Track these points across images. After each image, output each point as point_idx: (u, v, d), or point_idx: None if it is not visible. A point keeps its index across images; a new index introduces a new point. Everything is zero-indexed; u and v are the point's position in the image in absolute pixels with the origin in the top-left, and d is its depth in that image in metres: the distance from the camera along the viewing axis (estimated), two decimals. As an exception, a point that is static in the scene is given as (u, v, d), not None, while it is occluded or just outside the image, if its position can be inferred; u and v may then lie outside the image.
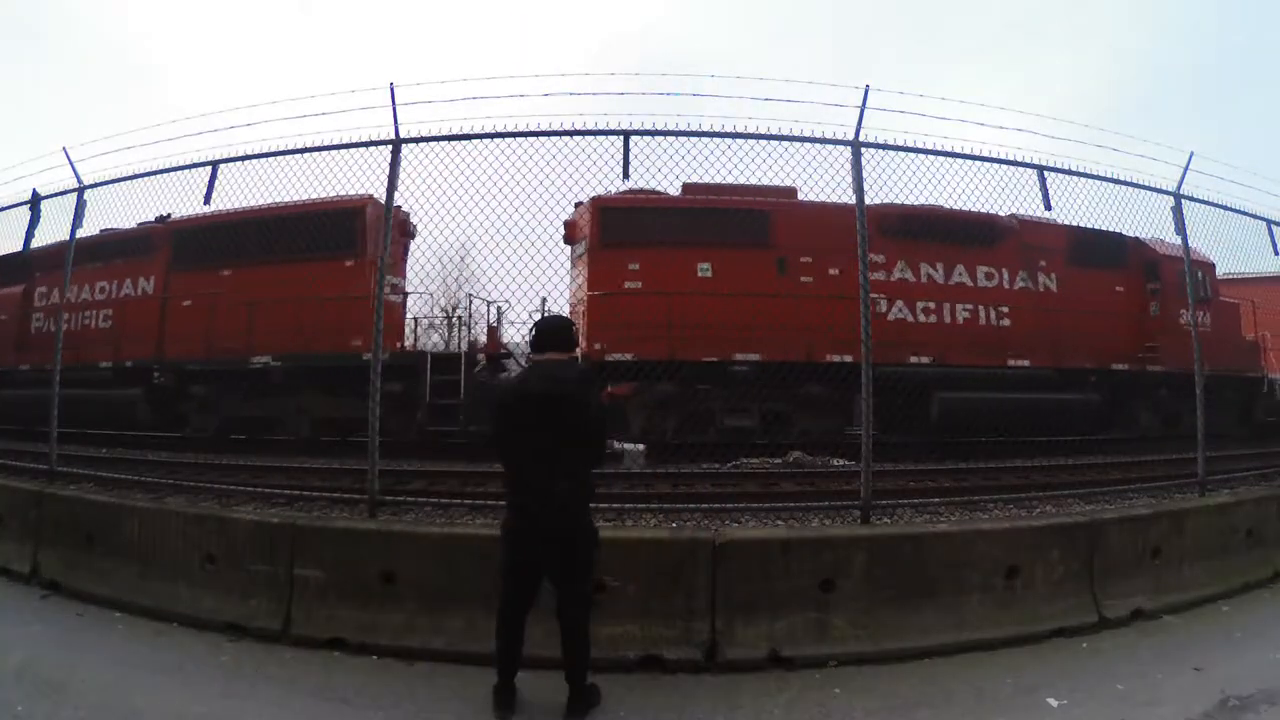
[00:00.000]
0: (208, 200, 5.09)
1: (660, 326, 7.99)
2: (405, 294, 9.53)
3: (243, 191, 5.20)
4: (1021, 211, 6.26)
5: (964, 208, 5.66)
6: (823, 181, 4.76)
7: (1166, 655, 3.54)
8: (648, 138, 4.58)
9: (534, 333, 3.14)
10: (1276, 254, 6.31)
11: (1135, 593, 4.14)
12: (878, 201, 4.92)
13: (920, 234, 8.94)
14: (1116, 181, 5.36)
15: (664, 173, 4.73)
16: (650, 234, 8.59)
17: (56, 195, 6.01)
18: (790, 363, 7.99)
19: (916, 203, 5.59)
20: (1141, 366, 9.78)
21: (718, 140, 4.67)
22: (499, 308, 8.96)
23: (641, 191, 7.44)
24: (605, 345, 8.23)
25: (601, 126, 4.55)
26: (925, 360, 8.73)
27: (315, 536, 3.95)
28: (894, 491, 5.55)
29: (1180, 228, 5.60)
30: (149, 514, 4.41)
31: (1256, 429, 10.48)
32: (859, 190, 4.52)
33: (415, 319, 10.21)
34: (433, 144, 4.66)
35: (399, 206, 5.01)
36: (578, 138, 4.63)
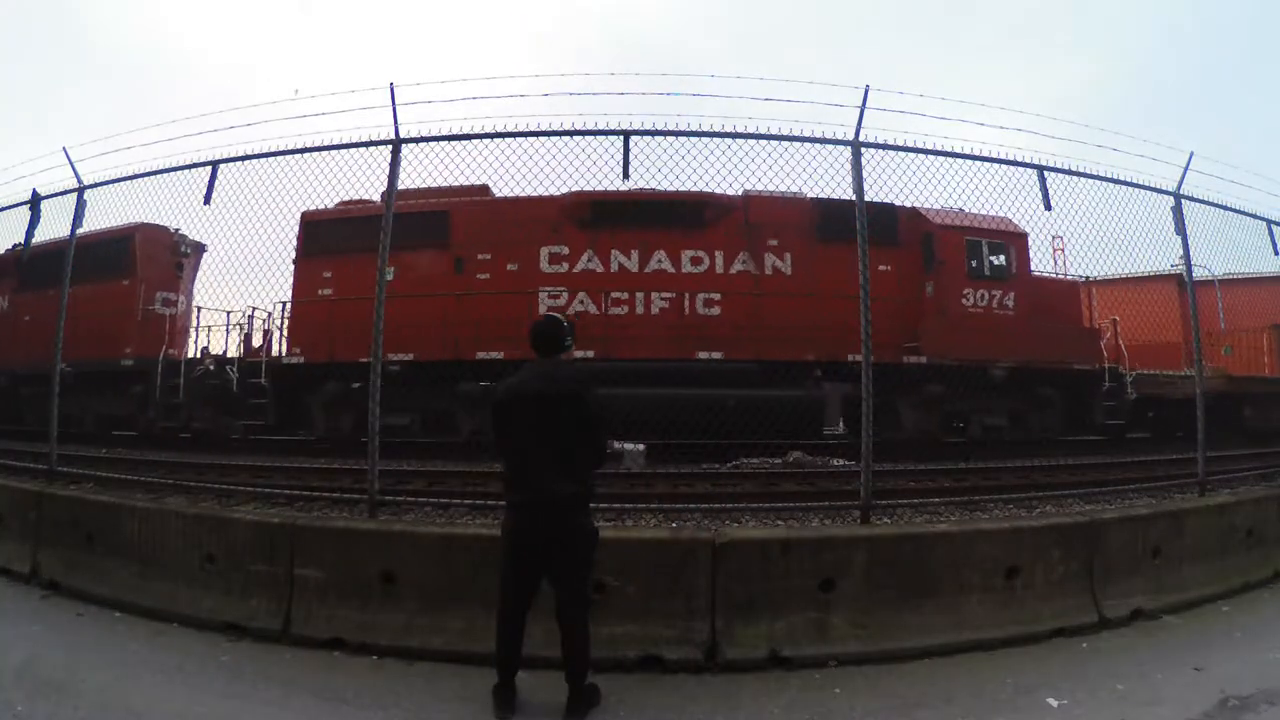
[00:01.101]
0: (208, 200, 5.09)
1: (339, 329, 8.61)
2: (178, 307, 10.61)
3: (243, 191, 5.21)
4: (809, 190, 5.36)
5: (961, 203, 5.60)
6: (823, 181, 4.77)
7: (1166, 655, 3.54)
8: (648, 138, 4.58)
9: (530, 334, 3.14)
10: (1277, 254, 6.31)
11: (1135, 593, 4.14)
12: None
13: (616, 220, 8.57)
14: (1116, 181, 5.36)
15: (664, 173, 4.73)
16: (345, 243, 8.88)
17: (56, 195, 6.02)
18: (440, 362, 8.24)
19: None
20: (898, 359, 8.58)
21: (718, 140, 4.67)
22: (253, 312, 9.70)
23: (354, 202, 7.63)
24: (300, 349, 9.11)
25: (601, 126, 4.55)
26: (590, 355, 8.01)
27: (315, 536, 3.95)
28: (894, 491, 5.55)
29: (1180, 228, 5.60)
30: (149, 514, 4.42)
31: (1100, 431, 9.55)
32: (859, 190, 4.52)
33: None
34: (432, 144, 4.66)
35: (172, 229, 5.26)
36: (578, 138, 4.63)
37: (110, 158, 5.60)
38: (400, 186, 4.61)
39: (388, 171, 4.59)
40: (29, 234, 6.18)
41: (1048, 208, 5.07)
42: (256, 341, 10.06)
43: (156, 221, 6.84)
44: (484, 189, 6.59)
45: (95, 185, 5.77)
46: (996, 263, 9.19)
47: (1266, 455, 7.69)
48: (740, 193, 7.42)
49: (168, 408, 9.54)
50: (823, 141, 4.62)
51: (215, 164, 5.06)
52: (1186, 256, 5.75)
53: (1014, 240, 9.12)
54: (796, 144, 4.65)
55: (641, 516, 4.71)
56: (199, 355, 9.82)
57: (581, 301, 8.64)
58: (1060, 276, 9.70)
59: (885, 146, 4.67)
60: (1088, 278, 9.66)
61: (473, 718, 2.90)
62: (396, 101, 4.48)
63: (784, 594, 3.59)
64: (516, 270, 8.64)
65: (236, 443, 9.29)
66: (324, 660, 3.50)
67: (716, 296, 8.56)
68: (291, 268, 8.90)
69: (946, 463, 7.45)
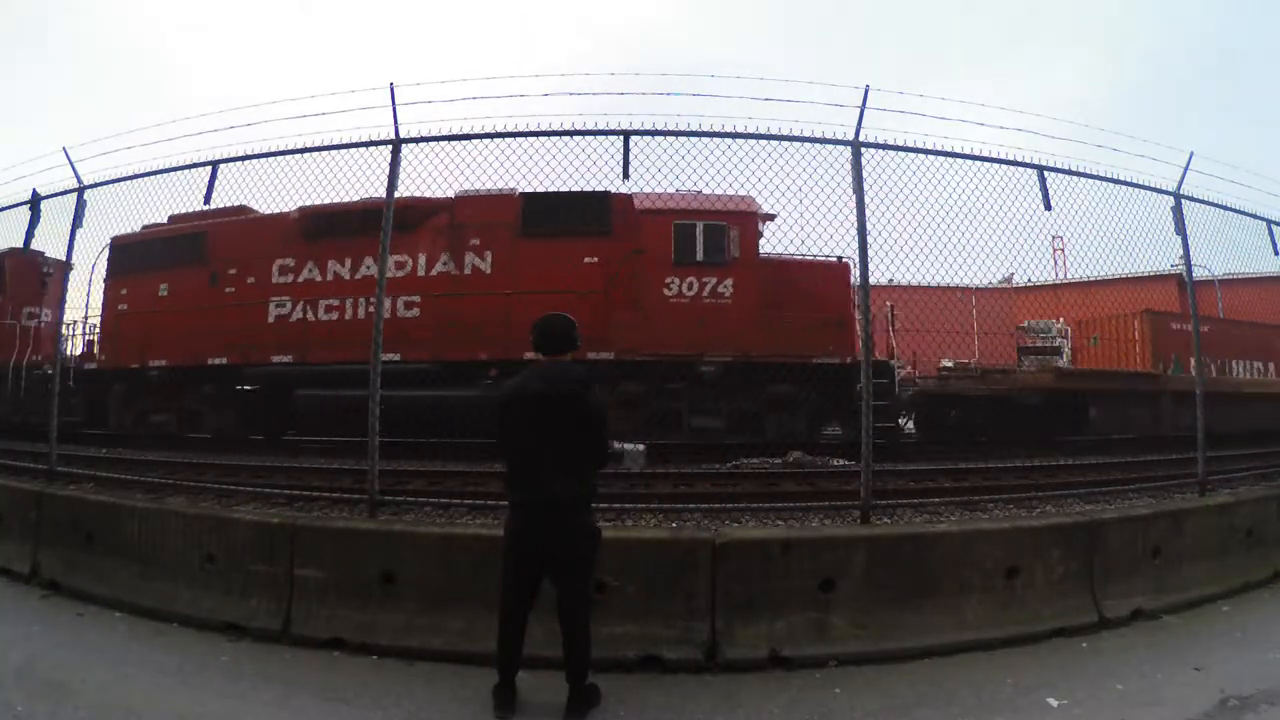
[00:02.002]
0: (208, 200, 5.09)
1: (125, 339, 9.90)
2: (40, 319, 11.64)
3: (243, 191, 5.21)
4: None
5: (973, 207, 5.59)
6: (823, 181, 4.77)
7: (1166, 655, 3.54)
8: (648, 138, 4.58)
9: (534, 334, 3.15)
10: (1277, 254, 6.31)
11: (1135, 593, 4.14)
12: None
13: (333, 232, 8.80)
14: (1116, 181, 5.36)
15: (664, 173, 4.73)
16: (136, 264, 9.93)
17: (56, 195, 6.02)
18: (183, 368, 9.37)
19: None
20: (583, 354, 8.43)
21: (718, 140, 4.67)
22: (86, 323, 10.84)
23: (153, 226, 8.33)
24: (104, 356, 10.25)
25: (601, 126, 4.55)
26: (287, 359, 8.77)
27: (315, 536, 3.95)
28: (894, 491, 5.55)
29: (1180, 228, 5.60)
30: (149, 514, 4.42)
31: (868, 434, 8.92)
32: (859, 190, 4.52)
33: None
34: (432, 144, 4.66)
35: (35, 251, 5.40)
36: (578, 138, 4.63)
37: (110, 158, 5.61)
38: (376, 191, 4.66)
39: (388, 171, 4.59)
40: (29, 234, 6.18)
41: (1048, 208, 5.07)
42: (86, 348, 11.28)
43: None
44: (242, 209, 6.87)
45: (95, 185, 5.77)
46: (711, 248, 8.27)
47: (1266, 455, 7.70)
48: (453, 194, 7.45)
49: (14, 404, 10.68)
50: (823, 141, 4.62)
51: (215, 164, 5.06)
52: (1186, 256, 5.75)
53: (739, 221, 8.11)
54: (796, 144, 4.66)
55: (641, 516, 4.70)
56: (38, 360, 10.92)
57: (302, 309, 9.02)
58: (818, 259, 8.06)
59: (885, 146, 4.67)
60: (840, 257, 7.74)
61: (473, 718, 2.90)
62: (396, 101, 4.48)
63: (784, 594, 3.59)
64: (254, 283, 9.20)
65: (237, 443, 9.31)
66: (324, 660, 3.50)
67: (416, 299, 8.64)
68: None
69: (946, 463, 7.45)
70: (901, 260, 5.34)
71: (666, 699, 3.11)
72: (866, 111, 4.47)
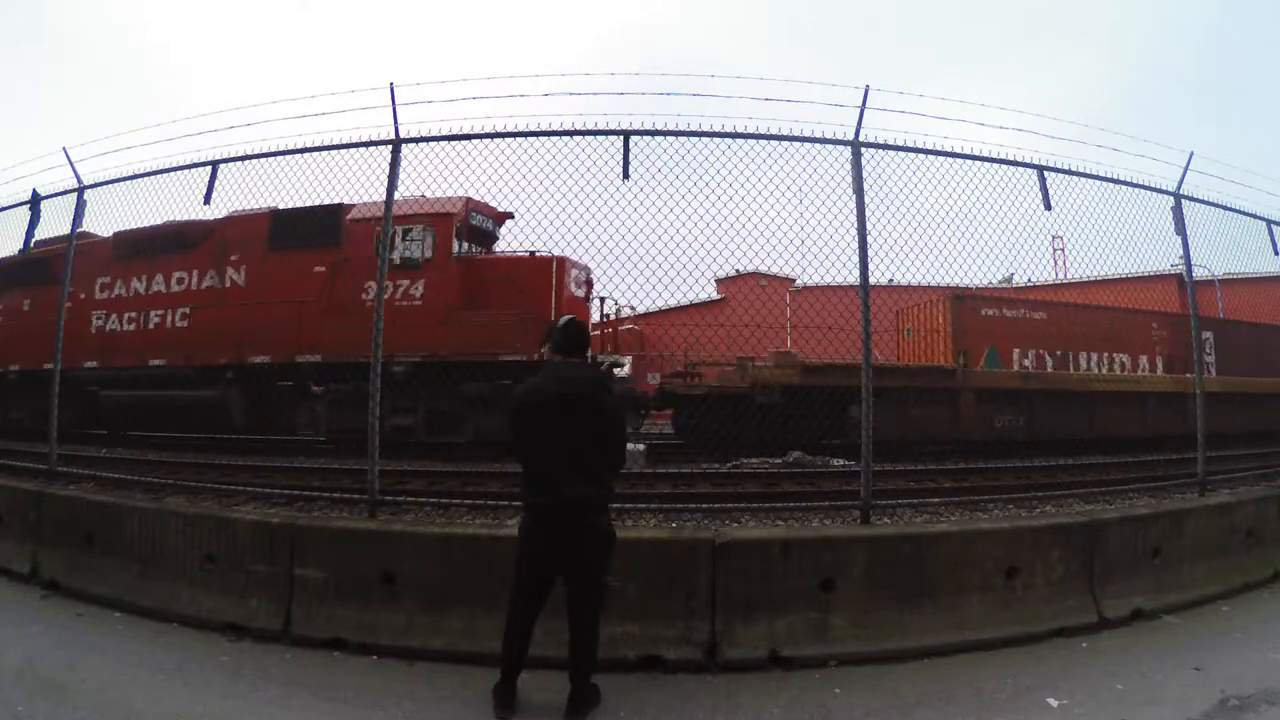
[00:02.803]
0: (207, 200, 5.09)
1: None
2: None
3: (243, 191, 5.21)
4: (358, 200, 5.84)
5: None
6: (823, 181, 4.76)
7: (1166, 655, 3.54)
8: (648, 138, 4.58)
9: (552, 335, 3.14)
10: (1277, 254, 6.31)
11: (1135, 593, 4.15)
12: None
13: (138, 252, 9.88)
14: (1116, 181, 5.36)
15: (664, 173, 4.73)
16: (10, 282, 11.03)
17: (56, 195, 6.02)
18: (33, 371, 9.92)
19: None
20: (290, 358, 8.85)
21: (718, 140, 4.67)
22: None
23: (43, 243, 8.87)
24: None
25: (601, 126, 4.55)
26: (95, 364, 10.02)
27: (315, 536, 3.95)
28: (894, 491, 5.55)
29: (1180, 228, 5.60)
30: (149, 514, 4.42)
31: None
32: (859, 190, 4.53)
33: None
34: (433, 144, 4.66)
35: None
36: (578, 138, 4.63)
37: (110, 158, 5.61)
38: (380, 194, 4.63)
39: (388, 171, 4.59)
40: (29, 234, 6.18)
41: (1048, 208, 5.07)
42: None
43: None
44: (84, 234, 7.23)
45: (95, 185, 5.78)
46: (408, 252, 8.59)
47: (1266, 455, 7.70)
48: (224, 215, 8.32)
49: None
50: (823, 141, 4.62)
51: (215, 164, 5.06)
52: (1186, 256, 5.76)
53: (433, 223, 8.43)
54: (796, 144, 4.66)
55: (642, 516, 4.70)
56: None
57: (112, 320, 10.26)
58: (522, 255, 8.50)
59: (885, 146, 4.67)
60: (537, 252, 8.14)
61: (473, 718, 2.90)
62: (396, 101, 4.48)
63: (784, 594, 3.59)
64: (84, 298, 10.12)
65: (237, 443, 9.32)
66: (324, 660, 3.50)
67: (188, 310, 9.73)
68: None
69: (946, 463, 7.45)
70: (902, 260, 5.33)
71: (667, 699, 3.11)
72: (866, 111, 4.48)
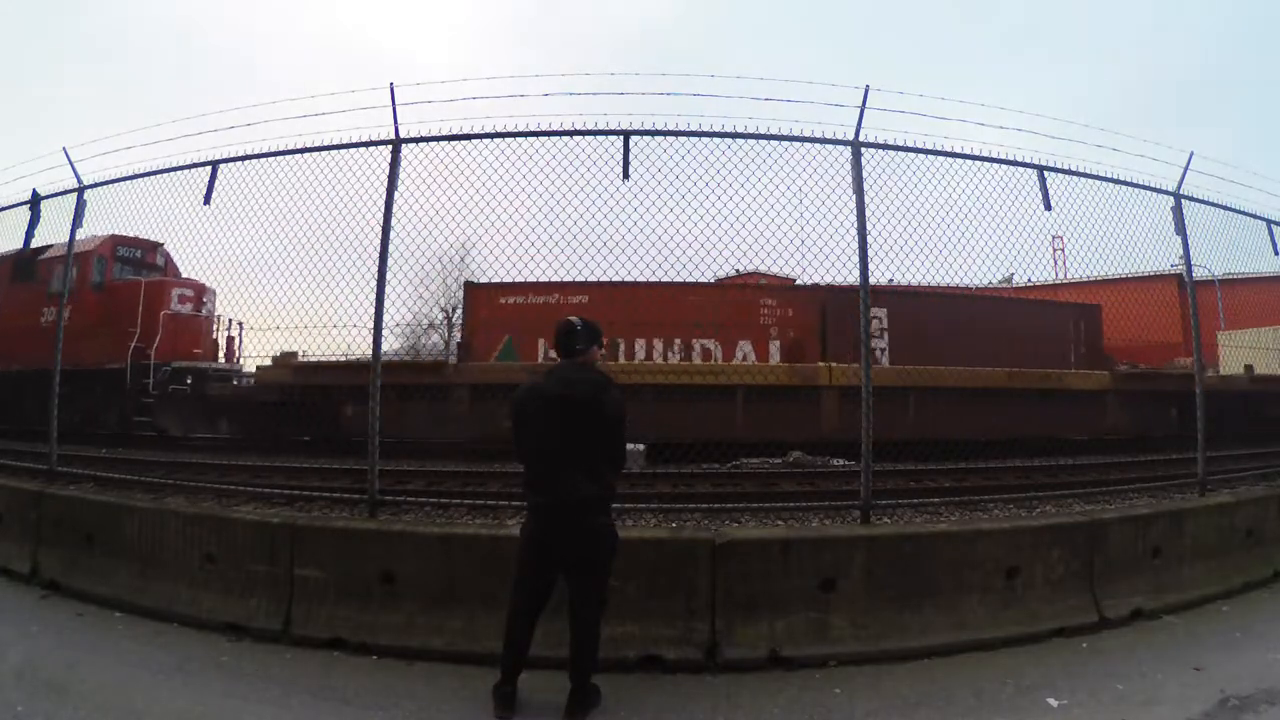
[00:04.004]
0: (207, 200, 5.09)
1: None
2: None
3: (243, 191, 5.20)
4: None
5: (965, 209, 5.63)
6: (823, 181, 4.76)
7: (1166, 655, 3.54)
8: (648, 138, 4.58)
9: (556, 335, 3.13)
10: (1277, 254, 6.31)
11: (1135, 593, 4.15)
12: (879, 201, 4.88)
13: (17, 276, 10.84)
14: (1117, 181, 5.36)
15: (664, 173, 4.73)
16: None
17: (56, 195, 6.02)
18: None
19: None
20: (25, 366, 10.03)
21: (718, 140, 4.67)
22: None
23: None
24: None
25: (601, 126, 4.55)
26: None
27: (315, 536, 3.95)
28: (894, 491, 5.56)
29: (1180, 228, 5.60)
30: (149, 514, 4.42)
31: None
32: (859, 190, 4.53)
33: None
34: (433, 144, 4.66)
35: None
36: (578, 138, 4.63)
37: (111, 158, 5.61)
38: (377, 191, 4.62)
39: (388, 171, 4.59)
40: (29, 234, 6.18)
41: (1048, 208, 5.07)
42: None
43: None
44: None
45: (95, 185, 5.78)
46: (55, 285, 9.73)
47: (1266, 455, 7.70)
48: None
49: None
50: (823, 141, 4.62)
51: (215, 164, 5.06)
52: (1186, 256, 5.75)
53: (76, 260, 8.93)
54: (796, 144, 4.66)
55: (642, 516, 4.70)
56: None
57: None
58: (136, 280, 10.84)
59: (885, 146, 4.67)
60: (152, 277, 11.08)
61: (473, 718, 2.90)
62: (396, 101, 4.48)
63: (784, 594, 3.59)
64: None
65: (237, 443, 9.32)
66: (324, 660, 3.50)
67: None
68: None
69: (946, 463, 7.45)
70: (902, 260, 5.33)
71: (666, 699, 3.11)
72: (866, 111, 4.48)
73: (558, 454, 2.89)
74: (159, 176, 5.42)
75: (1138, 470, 7.11)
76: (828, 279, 5.15)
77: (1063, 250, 10.06)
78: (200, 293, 11.30)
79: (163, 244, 10.90)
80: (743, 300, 10.14)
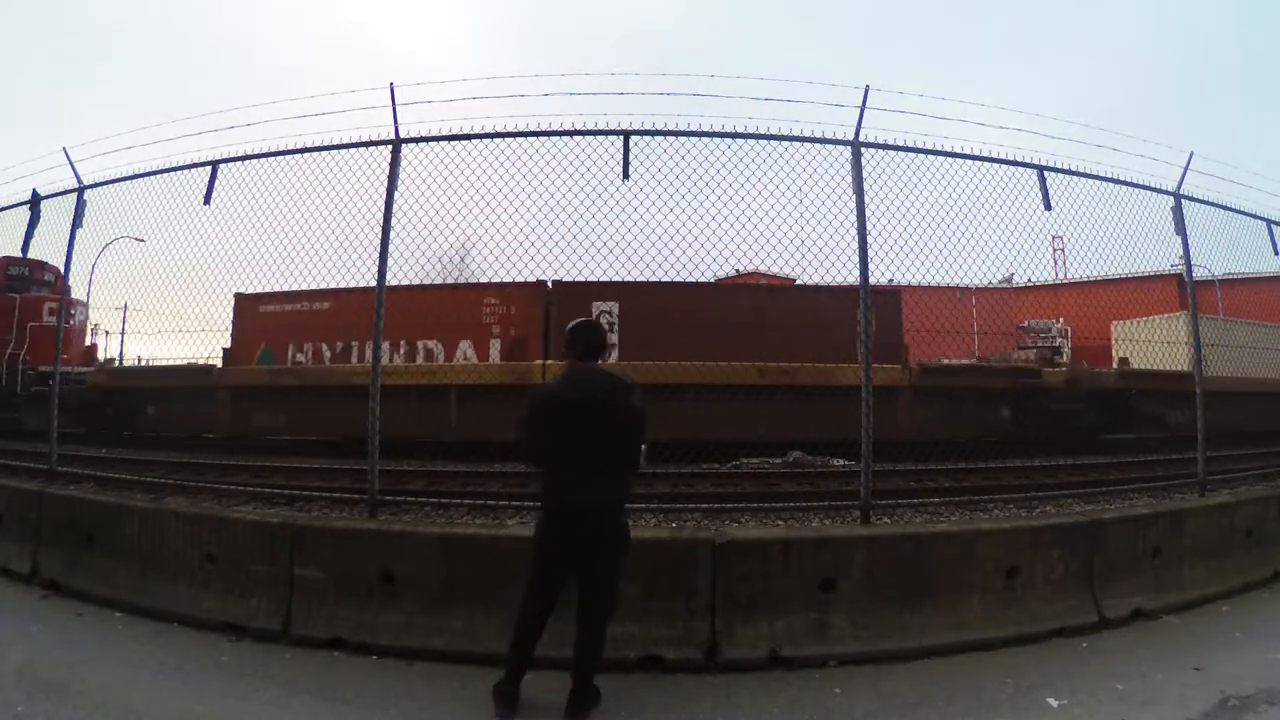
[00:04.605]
0: (207, 200, 5.09)
1: None
2: None
3: (243, 191, 5.20)
4: None
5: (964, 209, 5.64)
6: (823, 181, 4.76)
7: (1166, 655, 3.54)
8: (648, 138, 4.58)
9: (569, 337, 3.08)
10: (1277, 254, 6.31)
11: (1135, 593, 4.15)
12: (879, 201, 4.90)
13: None
14: (1117, 181, 5.37)
15: (664, 173, 4.73)
16: None
17: (56, 195, 6.02)
18: None
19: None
20: None
21: (718, 140, 4.67)
22: None
23: None
24: None
25: (601, 126, 4.55)
26: None
27: (315, 536, 3.95)
28: (894, 491, 5.56)
29: (1180, 228, 5.60)
30: (149, 514, 4.42)
31: None
32: (859, 190, 4.53)
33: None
34: (433, 144, 4.66)
35: None
36: (578, 138, 4.63)
37: (111, 158, 5.62)
38: (377, 190, 4.63)
39: (388, 171, 4.59)
40: (28, 234, 6.18)
41: (1048, 208, 5.07)
42: None
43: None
44: None
45: (95, 185, 5.78)
46: None
47: (1266, 455, 7.70)
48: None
49: None
50: (823, 141, 4.62)
51: (215, 164, 5.06)
52: (1186, 256, 5.76)
53: None
54: (796, 144, 4.66)
55: (642, 516, 4.70)
56: None
57: None
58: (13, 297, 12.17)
59: (885, 146, 4.68)
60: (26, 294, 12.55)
61: (473, 717, 2.90)
62: (396, 101, 4.49)
63: (784, 594, 3.59)
64: None
65: (237, 444, 9.34)
66: (324, 660, 3.50)
67: None
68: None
69: (946, 463, 7.45)
70: (902, 260, 5.33)
71: (666, 699, 3.10)
72: (866, 111, 4.48)
73: (577, 457, 2.86)
74: (159, 176, 5.43)
75: (1138, 470, 7.11)
76: (828, 279, 5.12)
77: (1063, 250, 10.03)
78: (70, 306, 12.56)
79: (49, 263, 12.18)
80: (466, 299, 10.01)
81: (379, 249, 4.57)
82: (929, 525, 4.43)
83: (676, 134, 4.59)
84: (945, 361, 10.16)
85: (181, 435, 10.27)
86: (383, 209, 4.55)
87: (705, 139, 4.65)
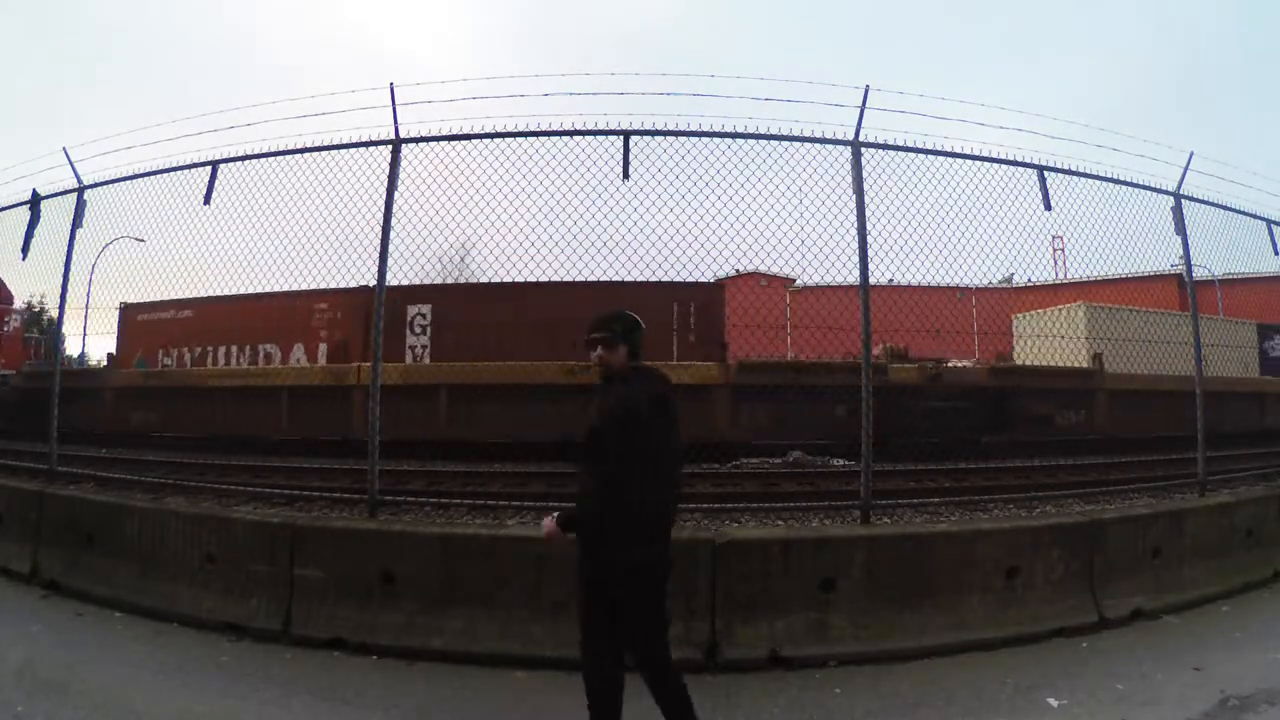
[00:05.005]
0: (208, 200, 5.09)
1: None
2: None
3: (243, 191, 5.20)
4: None
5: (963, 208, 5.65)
6: (823, 181, 4.76)
7: (1166, 655, 3.54)
8: (648, 138, 4.58)
9: (624, 326, 2.51)
10: (1277, 254, 6.31)
11: (1135, 593, 4.15)
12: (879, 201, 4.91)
13: None
14: (1117, 181, 5.36)
15: (664, 173, 4.73)
16: None
17: (56, 195, 6.02)
18: None
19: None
20: None
21: (718, 140, 4.67)
22: None
23: None
24: None
25: (601, 126, 4.55)
26: None
27: (315, 536, 3.95)
28: (894, 491, 5.56)
29: (1180, 228, 5.60)
30: (149, 514, 4.42)
31: None
32: (859, 190, 4.53)
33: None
34: (433, 144, 4.66)
35: None
36: (578, 138, 4.63)
37: (111, 158, 5.62)
38: (378, 190, 4.64)
39: (388, 171, 4.59)
40: (29, 234, 6.18)
41: (1048, 208, 5.07)
42: None
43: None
44: None
45: (95, 185, 5.78)
46: None
47: (1266, 455, 7.71)
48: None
49: None
50: (823, 141, 4.62)
51: (215, 164, 5.06)
52: (1186, 256, 5.76)
53: None
54: (796, 144, 4.66)
55: (641, 516, 4.70)
56: None
57: None
58: None
59: (885, 146, 4.67)
60: None
61: (473, 718, 2.90)
62: (396, 101, 4.48)
63: (784, 594, 3.59)
64: None
65: (237, 444, 9.35)
66: (324, 660, 3.50)
67: None
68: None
69: (947, 463, 7.45)
70: (902, 260, 5.33)
71: (666, 699, 3.10)
72: (866, 111, 4.48)
73: (658, 473, 2.39)
74: (159, 176, 5.43)
75: (1138, 470, 7.11)
76: (828, 279, 5.12)
77: (1063, 250, 10.02)
78: (5, 314, 13.92)
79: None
80: (301, 306, 10.67)
81: (379, 249, 4.57)
82: (929, 525, 4.43)
83: (676, 134, 4.59)
84: (766, 359, 9.69)
85: (69, 432, 11.04)
86: (383, 209, 4.55)
87: (705, 139, 4.65)
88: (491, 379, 8.63)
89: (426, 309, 10.17)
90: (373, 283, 4.54)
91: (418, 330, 10.17)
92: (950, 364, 9.87)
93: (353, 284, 6.46)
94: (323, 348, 10.71)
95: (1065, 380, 10.17)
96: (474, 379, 8.61)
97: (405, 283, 5.35)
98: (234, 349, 11.32)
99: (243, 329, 10.88)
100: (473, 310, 9.58)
